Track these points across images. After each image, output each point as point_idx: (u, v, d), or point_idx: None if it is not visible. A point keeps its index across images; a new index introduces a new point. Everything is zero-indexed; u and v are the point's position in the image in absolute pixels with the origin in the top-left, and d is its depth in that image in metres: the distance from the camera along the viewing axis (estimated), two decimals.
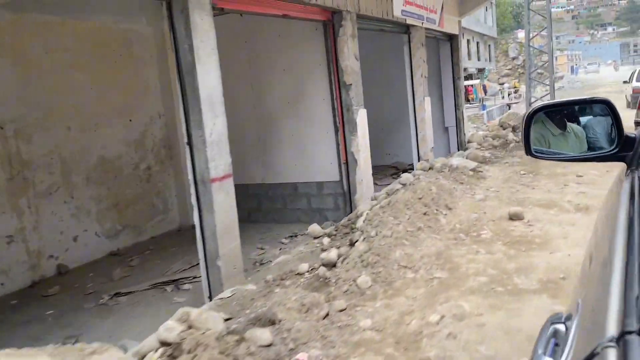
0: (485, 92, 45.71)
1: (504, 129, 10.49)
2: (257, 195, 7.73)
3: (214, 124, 4.35)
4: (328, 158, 7.07)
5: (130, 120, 7.37)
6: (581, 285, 1.03)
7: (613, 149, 1.38)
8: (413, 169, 9.71)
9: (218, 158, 4.38)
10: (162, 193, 7.78)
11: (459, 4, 11.09)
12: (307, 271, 3.53)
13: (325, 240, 4.24)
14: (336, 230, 4.41)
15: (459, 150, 11.55)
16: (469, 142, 11.36)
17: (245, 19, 7.04)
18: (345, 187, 6.96)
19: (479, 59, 47.29)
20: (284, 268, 3.88)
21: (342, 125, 6.82)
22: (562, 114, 1.63)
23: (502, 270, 3.04)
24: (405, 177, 6.41)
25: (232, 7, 4.79)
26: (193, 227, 4.52)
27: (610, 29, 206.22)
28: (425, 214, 4.00)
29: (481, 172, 6.12)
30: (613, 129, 1.43)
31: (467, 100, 36.66)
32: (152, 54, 7.61)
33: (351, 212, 6.34)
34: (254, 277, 4.38)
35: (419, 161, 9.37)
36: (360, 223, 4.11)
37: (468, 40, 42.94)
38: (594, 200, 4.71)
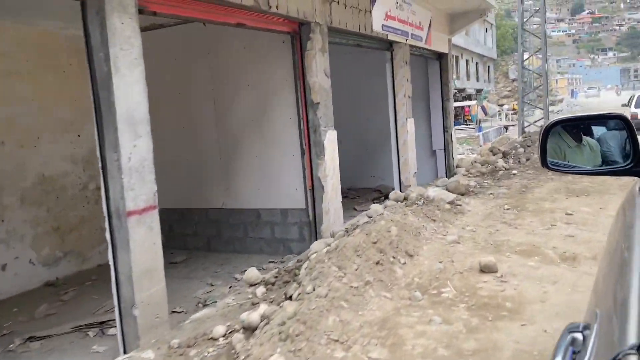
0: (485, 113, 45.30)
1: (494, 155, 9.83)
2: (217, 222, 7.03)
3: (135, 146, 3.68)
4: (294, 183, 6.39)
5: (79, 136, 6.70)
6: (598, 295, 1.07)
7: (628, 164, 1.39)
8: (385, 199, 9.04)
9: (138, 187, 3.70)
10: None
11: (449, 21, 10.53)
12: (223, 336, 2.83)
13: (260, 290, 3.53)
14: (276, 277, 3.70)
15: (447, 174, 10.89)
16: (457, 166, 10.70)
17: (208, 29, 6.42)
18: (311, 216, 6.27)
19: (477, 80, 46.92)
20: (200, 328, 3.17)
21: (309, 148, 6.15)
22: (578, 127, 1.62)
23: (456, 351, 2.35)
24: (374, 208, 5.72)
25: (168, 12, 4.14)
26: None
27: (611, 53, 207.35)
28: (378, 263, 3.30)
29: (460, 205, 5.44)
30: (627, 143, 1.43)
31: (465, 121, 36.20)
32: None
33: None
34: (180, 330, 3.65)
35: (400, 187, 8.70)
36: (302, 271, 3.41)
37: (467, 61, 42.61)
38: (583, 247, 4.01)
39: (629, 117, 1.42)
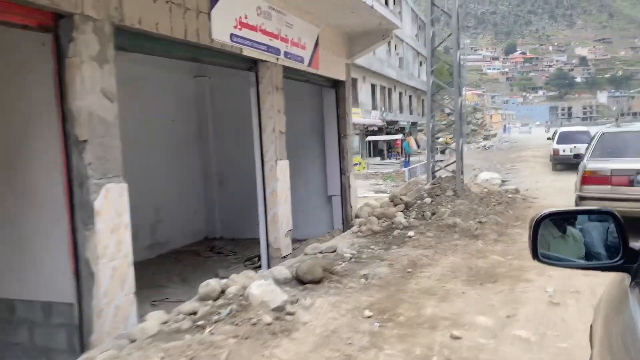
0: (418, 146, 44.74)
1: (395, 205, 7.98)
2: None
3: None
4: (58, 264, 4.10)
5: None
6: None
7: (618, 260, 1.39)
8: (259, 259, 6.89)
9: None
10: None
11: (347, 43, 8.74)
12: None
13: None
14: None
15: (344, 225, 8.91)
16: (356, 216, 8.75)
17: None
18: (77, 316, 3.99)
19: (411, 113, 46.51)
20: None
21: (71, 212, 3.91)
22: (564, 219, 1.61)
23: None
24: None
25: None
26: None
27: (540, 92, 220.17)
28: None
29: (291, 315, 3.40)
30: (609, 235, 1.45)
31: (396, 155, 35.13)
32: None
33: None
34: None
35: (267, 251, 6.57)
36: None
37: (400, 93, 42.02)
38: None
39: (614, 211, 1.41)
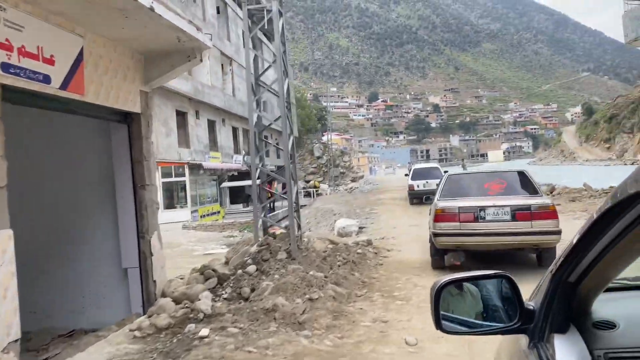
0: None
1: (206, 280, 5.88)
2: None
3: None
4: None
5: None
6: None
7: (516, 323, 1.40)
8: None
9: None
10: None
11: (141, 65, 6.64)
12: None
13: None
14: None
15: (144, 308, 6.52)
16: (163, 294, 6.44)
17: None
18: None
19: (278, 157, 45.46)
20: None
21: None
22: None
23: None
24: None
25: None
26: None
27: (401, 136, 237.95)
28: None
29: None
30: (503, 288, 1.47)
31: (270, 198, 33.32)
32: None
33: None
34: None
35: None
36: None
37: (266, 136, 40.81)
38: None
39: (509, 275, 1.42)
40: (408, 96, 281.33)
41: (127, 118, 6.64)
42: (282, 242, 6.94)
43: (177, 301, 5.36)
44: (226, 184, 23.41)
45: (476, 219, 6.48)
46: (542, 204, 6.47)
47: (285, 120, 7.27)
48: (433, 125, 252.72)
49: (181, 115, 24.80)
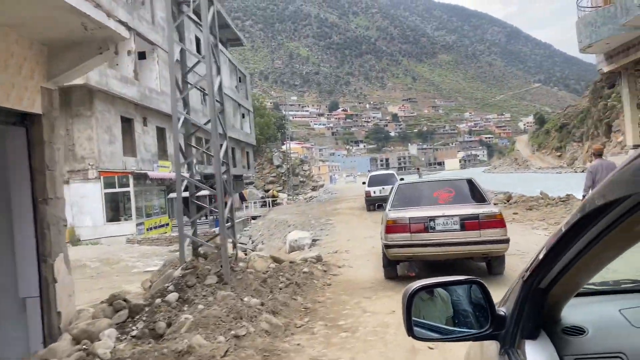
0: (244, 199, 42.26)
1: (116, 312, 4.88)
2: None
3: None
4: None
5: None
6: None
7: (487, 329, 1.41)
8: None
9: None
10: None
11: (45, 57, 5.63)
12: None
13: None
14: None
15: (45, 343, 5.44)
16: (68, 328, 5.38)
17: None
18: None
19: (235, 166, 44.13)
20: None
21: None
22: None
23: None
24: None
25: None
26: None
27: (362, 145, 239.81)
28: None
29: None
30: (472, 295, 1.48)
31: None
32: None
33: None
34: None
35: None
36: None
37: (221, 145, 39.37)
38: None
39: (480, 280, 1.42)
40: (368, 105, 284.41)
41: (24, 120, 5.59)
42: (213, 264, 6.01)
43: (77, 340, 4.37)
44: (173, 194, 22.13)
45: (426, 229, 6.48)
46: (489, 213, 6.50)
47: (216, 121, 6.36)
48: (392, 134, 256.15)
49: (127, 122, 23.40)
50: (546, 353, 1.26)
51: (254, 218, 24.44)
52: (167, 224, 21.29)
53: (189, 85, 6.74)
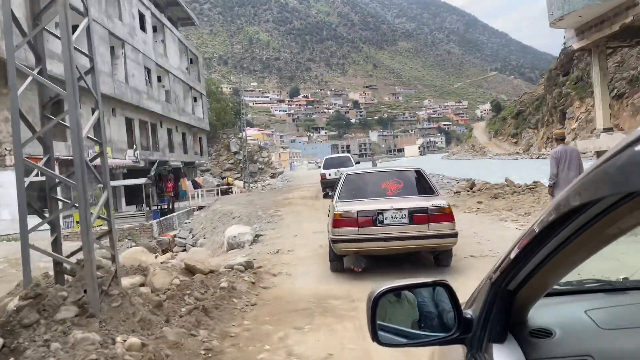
0: (200, 186, 39.92)
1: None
2: None
3: None
4: None
5: None
6: None
7: (454, 333, 1.38)
8: None
9: None
10: None
11: None
12: None
13: None
14: None
15: None
16: None
17: None
18: None
19: (186, 152, 41.51)
20: None
21: None
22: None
23: None
24: None
25: None
26: None
27: (323, 132, 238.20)
28: None
29: None
30: (437, 297, 1.45)
31: (167, 200, 29.65)
32: None
33: None
34: None
35: None
36: None
37: (170, 130, 36.77)
38: None
39: (447, 282, 1.40)
40: (329, 92, 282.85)
41: None
42: (75, 289, 4.19)
43: None
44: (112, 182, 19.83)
45: (375, 223, 6.30)
46: (438, 206, 6.36)
47: (73, 79, 4.40)
48: (353, 121, 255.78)
49: (56, 104, 20.80)
50: (514, 357, 1.24)
51: (200, 208, 22.43)
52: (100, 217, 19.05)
53: (42, 27, 4.72)
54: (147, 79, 32.66)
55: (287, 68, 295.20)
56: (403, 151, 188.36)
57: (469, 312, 1.41)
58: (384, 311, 1.40)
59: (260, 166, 66.34)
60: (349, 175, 7.63)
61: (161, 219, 19.37)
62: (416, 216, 6.25)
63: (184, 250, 15.62)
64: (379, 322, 1.38)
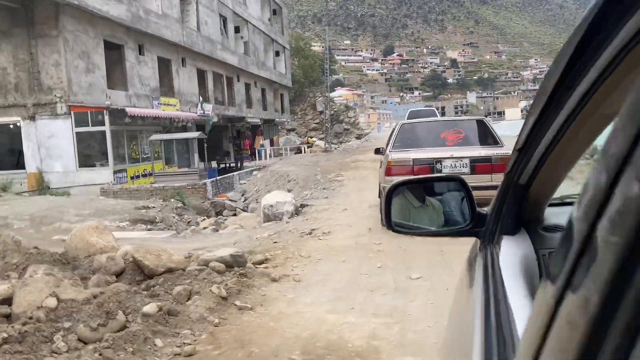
0: (274, 145, 38.43)
1: None
2: None
3: None
4: None
5: None
6: None
7: (467, 225, 1.47)
8: None
9: None
10: None
11: None
12: None
13: None
14: None
15: None
16: None
17: None
18: None
19: (265, 109, 39.78)
20: None
21: None
22: (421, 188, 1.67)
23: None
24: None
25: None
26: None
27: (417, 92, 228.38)
28: None
29: None
30: (465, 203, 1.51)
31: (239, 159, 28.19)
32: None
33: None
34: None
35: None
36: None
37: (248, 85, 35.06)
38: None
39: (462, 178, 1.47)
40: (425, 50, 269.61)
41: None
42: None
43: None
44: (156, 136, 18.28)
45: (432, 171, 6.10)
46: (503, 155, 6.05)
47: None
48: (450, 81, 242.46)
49: (116, 49, 19.54)
50: (522, 247, 1.27)
51: (259, 169, 20.39)
52: (151, 174, 17.63)
53: None
54: (223, 28, 30.85)
55: (382, 25, 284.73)
56: (503, 114, 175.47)
57: (485, 209, 1.45)
58: (407, 213, 1.47)
59: (346, 127, 63.70)
60: (404, 124, 7.25)
61: (218, 177, 17.56)
62: (478, 165, 6.08)
63: (234, 214, 13.65)
64: (396, 220, 1.44)
